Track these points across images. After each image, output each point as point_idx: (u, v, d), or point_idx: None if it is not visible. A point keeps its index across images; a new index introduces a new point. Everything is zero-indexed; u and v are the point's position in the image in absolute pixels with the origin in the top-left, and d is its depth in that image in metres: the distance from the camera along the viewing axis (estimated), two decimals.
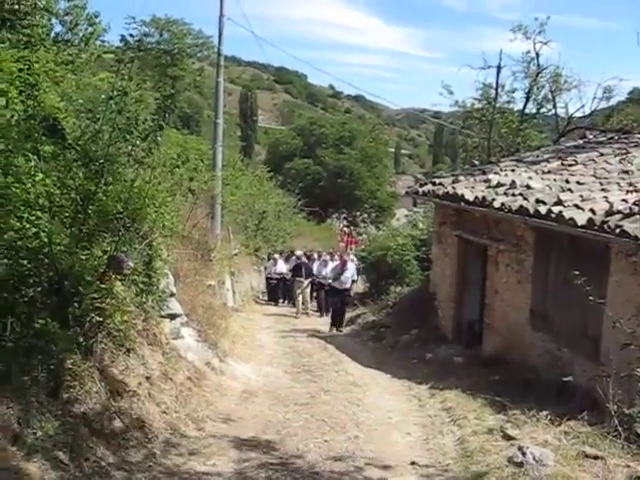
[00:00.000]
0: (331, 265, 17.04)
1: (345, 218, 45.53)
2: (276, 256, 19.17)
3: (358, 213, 45.45)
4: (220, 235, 14.71)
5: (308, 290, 16.85)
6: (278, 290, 18.89)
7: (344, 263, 14.13)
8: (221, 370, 8.30)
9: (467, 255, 11.18)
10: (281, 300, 18.96)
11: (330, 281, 16.68)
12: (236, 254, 16.03)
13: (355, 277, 14.38)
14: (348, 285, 14.01)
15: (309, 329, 13.81)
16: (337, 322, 13.90)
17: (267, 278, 19.33)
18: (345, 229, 31.95)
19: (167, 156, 9.57)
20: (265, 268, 19.73)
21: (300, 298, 16.42)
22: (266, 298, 19.47)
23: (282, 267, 18.51)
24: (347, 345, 12.10)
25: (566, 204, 7.71)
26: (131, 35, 37.20)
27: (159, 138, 6.43)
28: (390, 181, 49.35)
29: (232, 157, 23.39)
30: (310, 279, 16.49)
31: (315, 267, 16.92)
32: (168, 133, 14.60)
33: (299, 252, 18.37)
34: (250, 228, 21.56)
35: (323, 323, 15.47)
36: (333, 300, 14.14)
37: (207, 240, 12.31)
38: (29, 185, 5.12)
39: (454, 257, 11.41)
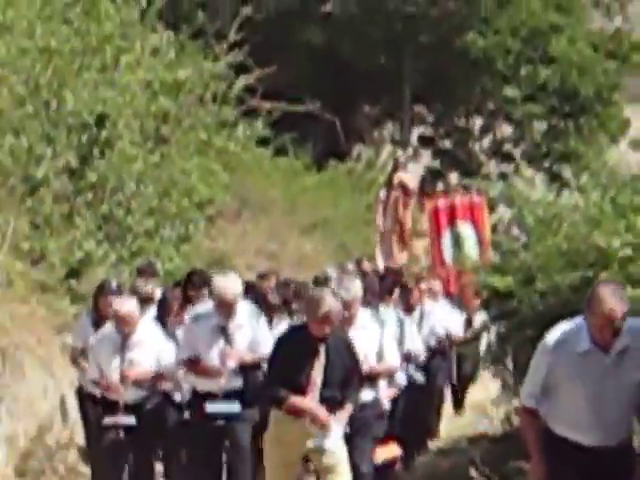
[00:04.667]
0: (435, 324, 9.18)
1: (426, 139, 21.82)
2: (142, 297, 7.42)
3: (478, 122, 21.89)
4: None
5: None
6: None
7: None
8: None
9: None
10: None
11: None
12: None
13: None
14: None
15: None
16: None
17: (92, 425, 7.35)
18: (403, 178, 12.55)
19: None
20: (78, 368, 7.66)
21: None
22: None
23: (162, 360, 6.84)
24: None
25: None
26: None
27: None
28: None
29: None
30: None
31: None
32: None
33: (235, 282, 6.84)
34: (51, 185, 9.93)
35: None
36: None
37: None
38: None
39: None
